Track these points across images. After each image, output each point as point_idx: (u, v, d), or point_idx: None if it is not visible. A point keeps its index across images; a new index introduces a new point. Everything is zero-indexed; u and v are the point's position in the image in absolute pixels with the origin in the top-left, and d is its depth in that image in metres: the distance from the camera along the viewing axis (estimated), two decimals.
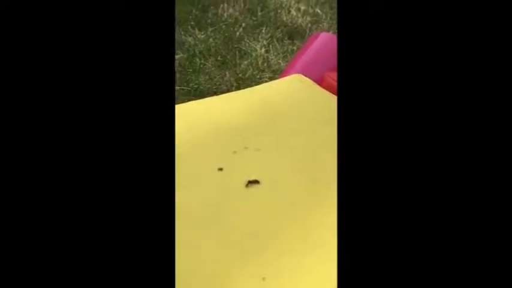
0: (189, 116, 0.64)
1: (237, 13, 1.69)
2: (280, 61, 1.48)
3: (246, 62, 1.45)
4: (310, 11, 1.76)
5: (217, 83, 1.36)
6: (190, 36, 1.53)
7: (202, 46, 1.48)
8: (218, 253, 0.44)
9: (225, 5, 1.70)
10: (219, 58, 1.46)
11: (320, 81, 0.80)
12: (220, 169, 0.55)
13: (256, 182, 0.52)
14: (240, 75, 1.40)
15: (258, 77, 1.41)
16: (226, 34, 1.55)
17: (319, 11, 1.77)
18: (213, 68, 1.41)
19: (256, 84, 1.14)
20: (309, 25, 1.68)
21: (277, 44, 1.55)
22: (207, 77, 1.37)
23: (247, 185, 0.52)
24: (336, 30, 1.27)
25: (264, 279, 0.42)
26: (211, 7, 1.69)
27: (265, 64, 1.47)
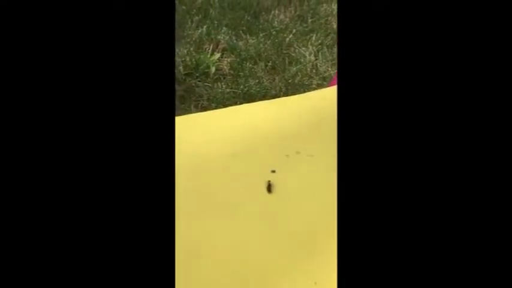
0: (243, 118, 0.65)
1: (288, 19, 1.70)
2: (329, 68, 1.48)
3: (295, 68, 1.46)
4: None
5: (267, 87, 1.38)
6: (241, 40, 1.55)
7: (253, 51, 1.50)
8: (272, 253, 0.44)
9: (276, 11, 1.72)
10: (268, 63, 1.47)
11: None
12: (273, 171, 0.55)
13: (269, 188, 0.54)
14: (289, 80, 1.41)
15: (307, 83, 1.42)
16: (277, 40, 1.57)
17: None
18: (262, 73, 1.43)
19: (305, 90, 1.14)
20: None
21: (326, 51, 1.54)
22: (256, 80, 1.39)
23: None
24: None
25: (316, 283, 0.42)
26: (263, 13, 1.70)
27: (314, 71, 1.47)
